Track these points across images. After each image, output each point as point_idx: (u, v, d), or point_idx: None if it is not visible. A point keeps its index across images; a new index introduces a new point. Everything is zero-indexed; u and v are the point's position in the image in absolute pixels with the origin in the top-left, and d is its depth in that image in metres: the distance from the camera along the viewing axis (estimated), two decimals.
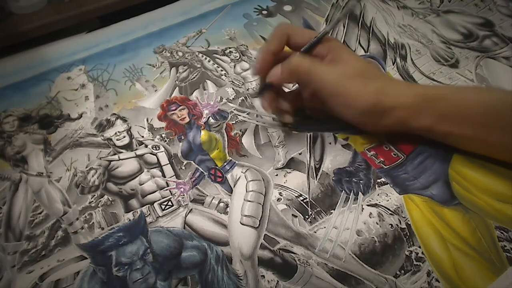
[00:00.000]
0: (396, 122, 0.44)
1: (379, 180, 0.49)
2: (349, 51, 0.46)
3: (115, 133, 0.54)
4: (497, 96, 0.43)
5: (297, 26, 0.49)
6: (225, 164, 0.51)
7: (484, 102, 0.42)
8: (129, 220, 0.47)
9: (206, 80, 0.61)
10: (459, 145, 0.46)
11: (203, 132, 0.54)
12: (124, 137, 0.54)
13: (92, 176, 0.50)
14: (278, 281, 0.42)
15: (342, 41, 0.64)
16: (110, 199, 0.49)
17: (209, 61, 0.63)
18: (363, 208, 0.46)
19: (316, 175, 0.49)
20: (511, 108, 0.41)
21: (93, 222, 0.47)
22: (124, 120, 0.56)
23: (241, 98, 0.58)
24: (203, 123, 0.55)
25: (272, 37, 0.46)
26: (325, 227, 0.45)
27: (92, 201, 0.48)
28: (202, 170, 0.51)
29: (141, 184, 0.50)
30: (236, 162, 0.51)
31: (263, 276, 0.42)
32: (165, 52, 0.64)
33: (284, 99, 0.49)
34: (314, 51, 0.44)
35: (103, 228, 0.46)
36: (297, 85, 0.53)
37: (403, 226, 0.45)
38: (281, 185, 0.49)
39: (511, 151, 0.43)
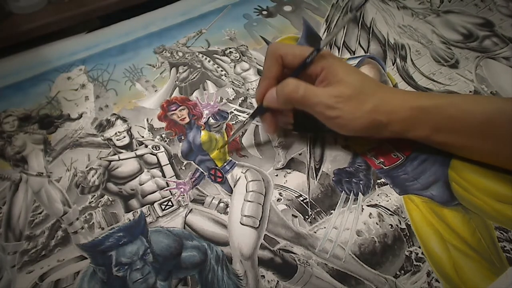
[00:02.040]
0: (393, 134, 0.45)
1: (379, 181, 0.49)
2: (343, 67, 0.45)
3: (115, 133, 0.54)
4: (494, 106, 0.43)
5: (287, 45, 0.48)
6: (225, 164, 0.51)
7: (481, 112, 0.42)
8: (129, 220, 0.47)
9: (206, 81, 0.61)
10: (456, 153, 0.47)
11: (203, 132, 0.54)
12: (124, 137, 0.54)
13: (92, 176, 0.50)
14: (278, 281, 0.42)
15: (342, 41, 0.65)
16: (110, 199, 0.49)
17: (209, 62, 0.63)
18: (363, 209, 0.46)
19: (316, 176, 0.49)
20: (507, 118, 0.41)
21: (93, 222, 0.47)
22: (124, 120, 0.56)
23: (241, 98, 0.58)
24: (203, 123, 0.55)
25: (267, 64, 0.46)
26: (325, 227, 0.45)
27: (92, 201, 0.48)
28: (202, 170, 0.51)
29: (141, 184, 0.50)
30: (236, 162, 0.51)
31: (263, 276, 0.42)
32: (165, 52, 0.64)
33: (283, 115, 0.50)
34: (308, 69, 0.45)
35: (103, 228, 0.46)
36: None
37: (403, 226, 0.45)
38: (281, 186, 0.49)
39: (509, 159, 0.44)
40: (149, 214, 0.47)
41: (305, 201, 0.47)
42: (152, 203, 0.48)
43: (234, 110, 0.57)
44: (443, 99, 0.44)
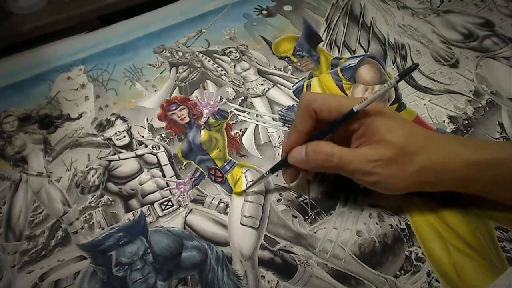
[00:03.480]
0: (441, 190, 0.41)
1: None
2: (384, 123, 0.39)
3: (115, 133, 0.54)
4: None
5: (323, 97, 0.42)
6: (225, 164, 0.51)
7: None
8: (129, 220, 0.47)
9: (206, 80, 0.61)
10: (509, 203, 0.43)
11: (203, 132, 0.54)
12: (124, 137, 0.54)
13: (92, 176, 0.50)
14: (278, 282, 0.42)
15: (342, 41, 0.64)
16: (110, 199, 0.49)
17: (209, 61, 0.63)
18: (363, 209, 0.46)
19: (316, 176, 0.49)
20: None
21: (93, 222, 0.47)
22: (124, 120, 0.56)
23: (241, 98, 0.58)
24: (203, 123, 0.55)
25: (300, 117, 0.42)
26: (325, 228, 0.45)
27: (92, 201, 0.48)
28: (202, 170, 0.51)
29: (141, 184, 0.50)
30: (236, 162, 0.51)
31: (263, 277, 0.42)
32: (165, 52, 0.64)
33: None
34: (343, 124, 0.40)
35: (103, 228, 0.46)
36: None
37: (403, 226, 0.45)
38: (281, 186, 0.49)
39: None
40: (149, 214, 0.47)
41: (305, 201, 0.47)
42: (152, 203, 0.48)
43: (234, 109, 0.57)
44: (503, 151, 0.39)
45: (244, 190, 0.48)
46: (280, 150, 0.52)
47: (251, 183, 0.48)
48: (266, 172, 0.46)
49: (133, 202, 0.48)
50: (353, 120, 0.39)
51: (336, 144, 0.40)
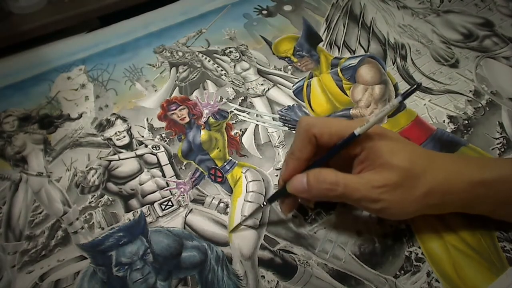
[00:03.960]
0: (448, 212, 0.41)
1: None
2: (387, 146, 0.38)
3: (115, 133, 0.54)
4: None
5: (322, 122, 0.40)
6: (225, 164, 0.51)
7: None
8: (129, 220, 0.47)
9: (206, 80, 0.61)
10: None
11: (203, 132, 0.54)
12: (124, 137, 0.54)
13: (92, 176, 0.50)
14: (278, 282, 0.42)
15: (342, 41, 0.64)
16: (110, 199, 0.49)
17: (209, 61, 0.63)
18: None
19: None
20: None
21: (93, 222, 0.47)
22: (124, 120, 0.56)
23: (241, 98, 0.58)
24: (203, 123, 0.55)
25: (299, 143, 0.40)
26: (325, 228, 0.45)
27: (92, 201, 0.48)
28: (202, 170, 0.51)
29: (141, 184, 0.50)
30: (236, 162, 0.51)
31: (263, 277, 0.42)
32: (165, 52, 0.64)
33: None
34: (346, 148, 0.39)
35: (103, 228, 0.46)
36: None
37: (403, 226, 0.45)
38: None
39: None
40: (149, 214, 0.47)
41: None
42: (152, 203, 0.48)
43: (234, 109, 0.57)
44: (507, 169, 0.38)
45: (239, 224, 0.45)
46: (280, 150, 0.52)
47: (244, 217, 0.46)
48: (263, 203, 0.44)
49: (133, 202, 0.48)
50: (355, 144, 0.38)
51: (338, 171, 0.38)
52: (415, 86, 0.35)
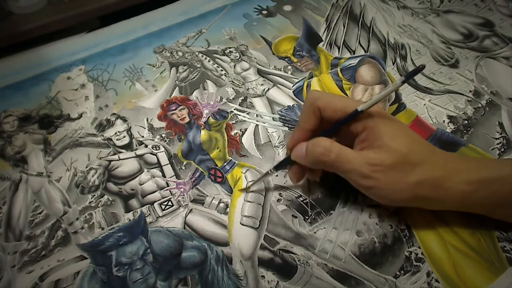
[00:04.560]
0: (444, 209, 0.41)
1: None
2: (388, 128, 0.38)
3: (115, 133, 0.54)
4: None
5: (328, 96, 0.41)
6: (225, 164, 0.51)
7: None
8: (129, 220, 0.47)
9: (206, 80, 0.61)
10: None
11: (203, 132, 0.54)
12: (124, 137, 0.54)
13: (92, 176, 0.50)
14: (278, 282, 0.42)
15: (342, 41, 0.64)
16: (110, 199, 0.49)
17: (209, 61, 0.63)
18: (363, 209, 0.46)
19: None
20: None
21: (93, 222, 0.47)
22: (124, 120, 0.56)
23: (241, 98, 0.58)
24: (203, 123, 0.55)
25: (304, 114, 0.42)
26: (325, 228, 0.45)
27: (92, 201, 0.48)
28: (202, 170, 0.51)
29: (141, 184, 0.50)
30: (236, 162, 0.51)
31: (263, 277, 0.42)
32: (165, 52, 0.64)
33: (311, 170, 0.45)
34: (348, 126, 0.40)
35: (103, 228, 0.46)
36: None
37: (403, 226, 0.45)
38: (281, 186, 0.49)
39: None
40: (149, 214, 0.47)
41: (305, 201, 0.47)
42: (152, 203, 0.48)
43: (234, 109, 0.57)
44: (506, 169, 0.38)
45: (246, 188, 0.48)
46: (280, 150, 0.52)
47: (251, 182, 0.48)
48: (270, 170, 0.46)
49: (133, 202, 0.48)
50: (357, 122, 0.39)
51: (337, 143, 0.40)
52: (419, 67, 0.36)
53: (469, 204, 0.39)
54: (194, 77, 0.61)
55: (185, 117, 0.56)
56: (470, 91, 0.57)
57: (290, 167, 0.45)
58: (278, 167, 0.46)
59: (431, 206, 0.40)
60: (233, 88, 0.59)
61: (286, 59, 0.63)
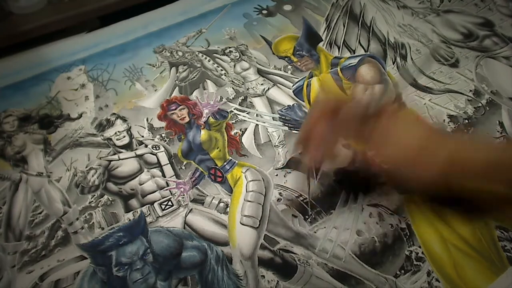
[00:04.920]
0: (464, 193, 0.39)
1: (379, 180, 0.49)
2: (399, 126, 0.39)
3: (115, 133, 0.54)
4: None
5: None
6: (225, 163, 0.51)
7: None
8: (129, 220, 0.47)
9: (206, 80, 0.61)
10: None
11: (203, 132, 0.54)
12: (124, 136, 0.54)
13: (92, 176, 0.50)
14: (278, 281, 0.42)
15: (342, 40, 0.64)
16: (110, 199, 0.49)
17: (209, 61, 0.63)
18: (363, 208, 0.46)
19: (316, 175, 0.49)
20: None
21: (93, 222, 0.47)
22: (124, 120, 0.56)
23: (241, 98, 0.58)
24: (203, 123, 0.55)
25: None
26: (325, 227, 0.45)
27: (92, 201, 0.48)
28: (202, 170, 0.51)
29: (141, 184, 0.50)
30: (236, 161, 0.51)
31: (263, 276, 0.42)
32: (165, 52, 0.64)
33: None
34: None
35: (103, 228, 0.46)
36: None
37: (403, 226, 0.45)
38: (281, 185, 0.49)
39: None
40: (149, 214, 0.47)
41: (305, 201, 0.47)
42: (152, 203, 0.48)
43: (234, 109, 0.57)
44: None
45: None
46: (280, 150, 0.52)
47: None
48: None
49: (133, 202, 0.48)
50: (367, 125, 0.39)
51: None
52: None
53: (490, 181, 0.37)
54: (194, 77, 0.61)
55: (185, 117, 0.56)
56: (470, 91, 0.57)
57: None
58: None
59: (458, 187, 0.38)
60: (233, 88, 0.59)
61: (286, 58, 0.62)
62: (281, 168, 0.50)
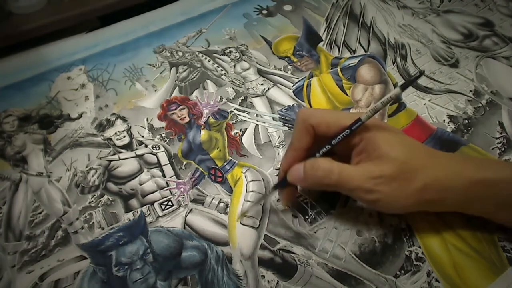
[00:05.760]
0: (447, 210, 0.40)
1: None
2: (385, 138, 0.38)
3: (115, 133, 0.54)
4: None
5: (320, 112, 0.42)
6: (225, 164, 0.51)
7: None
8: (129, 220, 0.47)
9: (206, 80, 0.61)
10: None
11: (203, 132, 0.54)
12: (124, 137, 0.54)
13: (92, 176, 0.50)
14: (278, 281, 0.42)
15: (342, 40, 0.64)
16: (110, 199, 0.49)
17: (209, 61, 0.63)
18: (363, 209, 0.46)
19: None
20: None
21: (93, 222, 0.47)
22: (124, 120, 0.56)
23: (241, 98, 0.58)
24: (203, 123, 0.55)
25: (297, 133, 0.41)
26: (325, 227, 0.45)
27: (92, 201, 0.48)
28: (202, 170, 0.51)
29: (141, 184, 0.50)
30: (236, 161, 0.51)
31: (263, 276, 0.42)
32: (165, 52, 0.64)
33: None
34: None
35: (103, 228, 0.46)
36: None
37: (403, 226, 0.45)
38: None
39: None
40: (149, 214, 0.47)
41: (305, 201, 0.47)
42: (152, 203, 0.48)
43: (234, 109, 0.57)
44: (507, 171, 0.37)
45: (242, 215, 0.46)
46: (280, 150, 0.52)
47: (248, 204, 0.47)
48: (267, 192, 0.47)
49: (133, 202, 0.48)
50: (354, 134, 0.38)
51: (335, 161, 0.39)
52: (417, 74, 0.36)
53: (470, 205, 0.39)
54: (194, 77, 0.61)
55: (185, 117, 0.56)
56: (470, 91, 0.57)
57: (283, 190, 0.45)
58: (275, 188, 0.45)
59: (437, 209, 0.40)
60: (233, 88, 0.59)
61: (286, 58, 0.63)
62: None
